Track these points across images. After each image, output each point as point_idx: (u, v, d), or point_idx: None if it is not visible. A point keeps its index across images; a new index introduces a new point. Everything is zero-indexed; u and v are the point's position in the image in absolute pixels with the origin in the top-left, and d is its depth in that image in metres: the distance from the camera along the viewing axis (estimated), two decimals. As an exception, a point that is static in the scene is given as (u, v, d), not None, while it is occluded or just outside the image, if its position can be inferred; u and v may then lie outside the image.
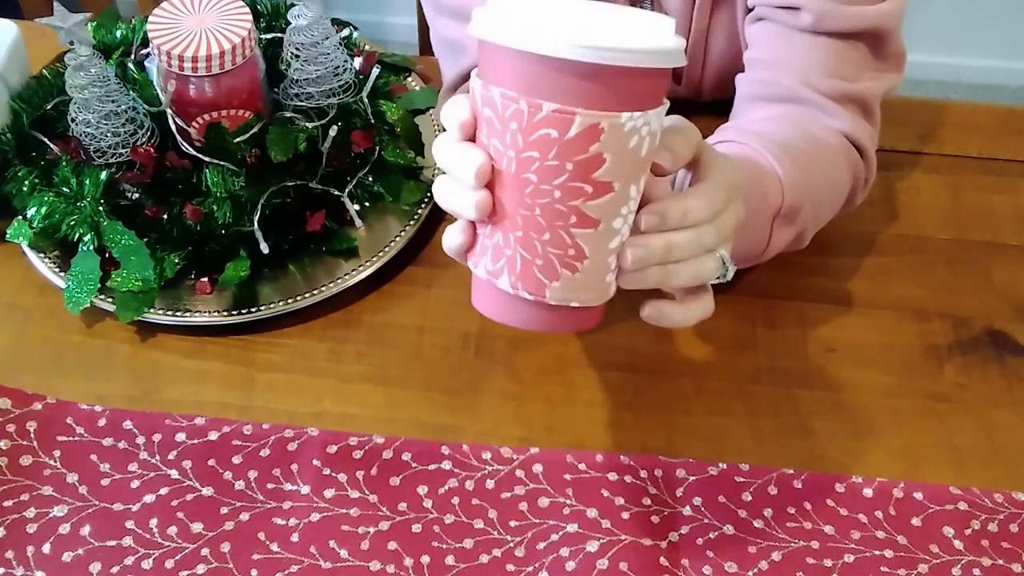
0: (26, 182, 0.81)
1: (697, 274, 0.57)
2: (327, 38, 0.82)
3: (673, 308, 0.58)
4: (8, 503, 0.69)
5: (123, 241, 0.78)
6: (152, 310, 0.77)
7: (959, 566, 0.68)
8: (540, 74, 0.49)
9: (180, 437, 0.72)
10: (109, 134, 0.80)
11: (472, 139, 0.54)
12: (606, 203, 0.52)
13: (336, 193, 0.82)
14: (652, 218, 0.54)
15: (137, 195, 0.80)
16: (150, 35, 0.78)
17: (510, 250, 0.53)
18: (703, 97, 0.90)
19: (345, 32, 0.90)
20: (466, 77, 0.81)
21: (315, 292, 0.79)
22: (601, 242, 0.53)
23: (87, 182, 0.79)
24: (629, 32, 0.49)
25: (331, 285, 0.80)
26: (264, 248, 0.79)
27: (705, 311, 0.59)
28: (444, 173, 0.55)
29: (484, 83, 0.52)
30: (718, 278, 0.59)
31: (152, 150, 0.80)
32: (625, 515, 0.69)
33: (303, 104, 0.83)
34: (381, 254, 0.81)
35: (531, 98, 0.50)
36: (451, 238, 0.56)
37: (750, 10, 0.81)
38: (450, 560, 0.67)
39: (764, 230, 0.70)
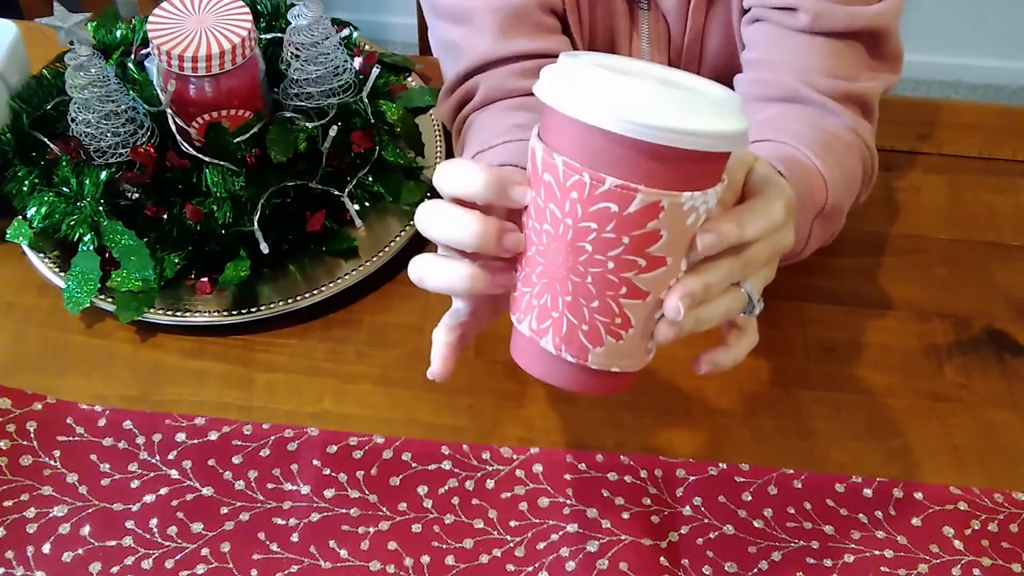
0: (26, 182, 0.81)
1: (725, 313, 0.56)
2: (327, 38, 0.82)
3: (724, 353, 0.59)
4: (8, 503, 0.69)
5: (123, 241, 0.78)
6: (152, 310, 0.77)
7: (959, 566, 0.68)
8: (604, 148, 0.49)
9: (180, 437, 0.72)
10: (109, 134, 0.80)
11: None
12: (658, 276, 0.52)
13: (336, 193, 0.82)
14: (709, 237, 0.52)
15: (137, 195, 0.80)
16: (150, 35, 0.78)
17: (557, 313, 0.53)
18: None
19: (345, 32, 0.90)
20: (464, 79, 0.81)
21: (315, 292, 0.79)
22: (648, 312, 0.53)
23: (87, 182, 0.79)
24: (696, 112, 0.49)
25: (331, 285, 0.80)
26: (264, 248, 0.79)
27: (752, 342, 0.59)
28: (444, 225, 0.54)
29: (547, 148, 0.51)
30: (746, 313, 0.57)
31: (152, 150, 0.80)
32: (625, 515, 0.69)
33: (303, 104, 0.83)
34: (381, 254, 0.81)
35: (594, 171, 0.50)
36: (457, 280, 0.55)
37: (746, 11, 0.81)
38: (450, 560, 0.67)
39: (804, 229, 0.70)
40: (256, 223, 0.79)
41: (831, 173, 0.70)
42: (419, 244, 0.83)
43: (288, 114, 0.83)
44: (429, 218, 0.55)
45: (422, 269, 0.56)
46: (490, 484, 0.71)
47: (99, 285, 0.78)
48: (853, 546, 0.69)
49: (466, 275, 0.54)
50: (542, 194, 0.52)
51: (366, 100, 0.85)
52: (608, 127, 0.48)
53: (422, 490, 0.70)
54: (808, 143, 0.71)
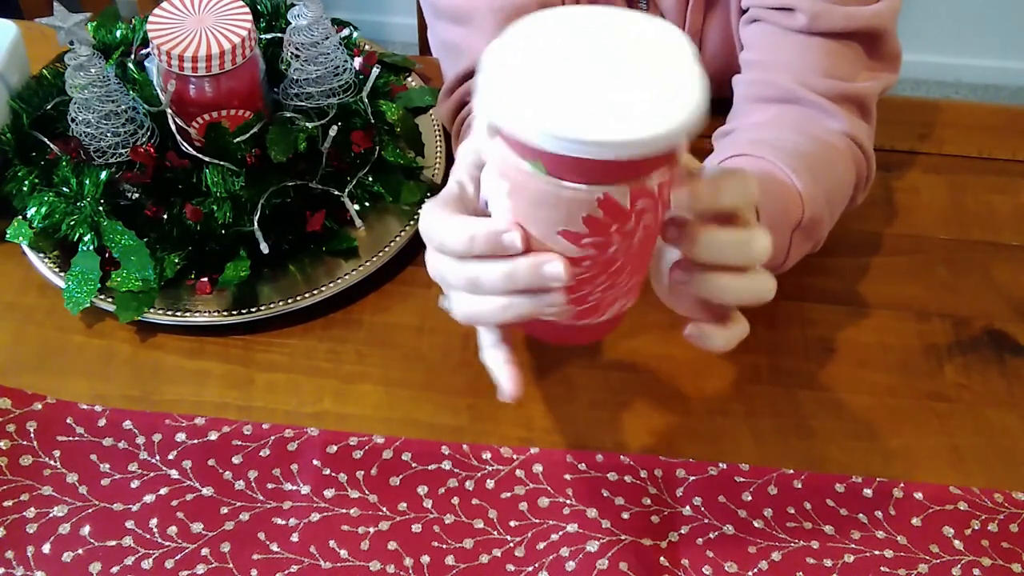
0: (26, 182, 0.81)
1: (752, 290, 0.55)
2: (327, 38, 0.82)
3: (715, 329, 0.58)
4: (8, 503, 0.69)
5: (123, 241, 0.78)
6: (152, 310, 0.77)
7: (959, 566, 0.68)
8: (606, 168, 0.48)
9: (180, 437, 0.72)
10: (109, 134, 0.80)
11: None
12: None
13: (336, 193, 0.82)
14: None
15: (137, 195, 0.80)
16: (150, 35, 0.78)
17: (594, 298, 0.55)
18: None
19: (345, 32, 0.90)
20: (464, 80, 0.81)
21: (315, 292, 0.79)
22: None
23: (87, 182, 0.79)
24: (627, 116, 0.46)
25: (331, 285, 0.80)
26: (264, 248, 0.79)
27: (744, 332, 0.59)
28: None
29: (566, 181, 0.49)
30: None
31: (152, 150, 0.80)
32: (625, 515, 0.69)
33: (303, 104, 0.83)
34: (381, 254, 0.81)
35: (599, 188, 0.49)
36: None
37: (744, 11, 0.81)
38: (450, 560, 0.67)
39: (783, 243, 0.70)
40: (256, 223, 0.79)
41: (808, 188, 0.70)
42: (419, 244, 0.83)
43: (288, 114, 0.83)
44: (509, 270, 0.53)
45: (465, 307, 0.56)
46: (490, 484, 0.71)
47: (99, 285, 0.78)
48: (853, 546, 0.69)
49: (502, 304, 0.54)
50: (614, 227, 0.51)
51: (366, 100, 0.85)
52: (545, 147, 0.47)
53: (422, 490, 0.70)
54: (785, 156, 0.70)
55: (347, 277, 0.80)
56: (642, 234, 0.52)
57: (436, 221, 0.55)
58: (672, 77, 0.48)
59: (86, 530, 0.68)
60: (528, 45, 0.49)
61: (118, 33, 0.89)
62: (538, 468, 0.71)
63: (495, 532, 0.69)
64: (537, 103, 0.47)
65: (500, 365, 0.57)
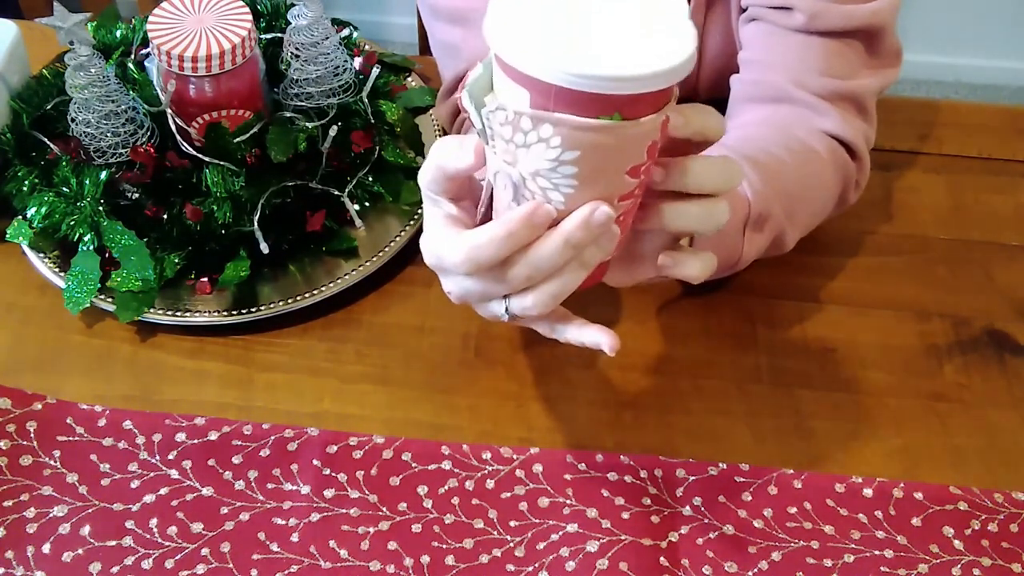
0: (26, 182, 0.81)
1: (711, 215, 0.56)
2: (327, 38, 0.82)
3: (688, 256, 0.58)
4: (8, 503, 0.69)
5: (123, 241, 0.78)
6: (152, 310, 0.77)
7: (959, 566, 0.68)
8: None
9: (180, 437, 0.72)
10: (109, 134, 0.80)
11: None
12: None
13: (336, 193, 0.82)
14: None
15: (137, 195, 0.80)
16: (150, 35, 0.78)
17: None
18: (699, 96, 0.90)
19: (345, 32, 0.90)
20: (462, 80, 0.81)
21: (315, 292, 0.79)
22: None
23: (87, 182, 0.79)
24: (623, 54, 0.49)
25: (331, 285, 0.80)
26: (264, 248, 0.79)
27: (714, 265, 0.59)
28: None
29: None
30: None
31: (152, 150, 0.80)
32: (625, 515, 0.69)
33: (303, 104, 0.83)
34: (381, 254, 0.81)
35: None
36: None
37: (744, 10, 0.81)
38: (450, 560, 0.67)
39: (736, 238, 0.70)
40: (256, 223, 0.79)
41: (752, 183, 0.70)
42: (419, 244, 0.83)
43: (288, 114, 0.83)
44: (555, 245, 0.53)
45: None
46: (490, 484, 0.71)
47: (99, 285, 0.78)
48: (853, 546, 0.69)
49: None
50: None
51: (366, 100, 0.85)
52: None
53: (422, 490, 0.70)
54: (748, 151, 0.71)
55: (347, 277, 0.80)
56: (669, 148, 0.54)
57: (455, 246, 0.54)
58: (672, 20, 0.51)
59: (86, 530, 0.68)
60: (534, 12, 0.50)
61: (118, 33, 0.89)
62: (538, 468, 0.71)
63: (495, 532, 0.69)
64: (600, 55, 0.48)
65: (582, 331, 0.58)
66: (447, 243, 0.55)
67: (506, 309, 0.56)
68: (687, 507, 0.70)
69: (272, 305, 0.78)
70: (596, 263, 0.55)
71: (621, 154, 0.51)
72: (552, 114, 0.49)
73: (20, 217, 0.81)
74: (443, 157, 0.55)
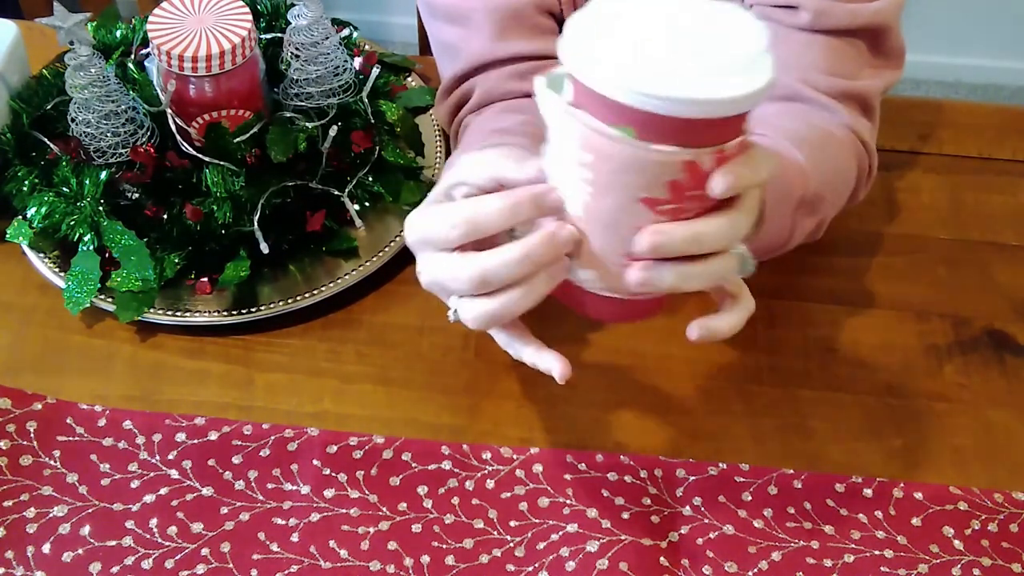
0: (26, 182, 0.81)
1: (717, 273, 0.55)
2: (327, 38, 0.82)
3: (719, 319, 0.57)
4: (8, 503, 0.69)
5: (123, 241, 0.78)
6: (152, 310, 0.77)
7: (959, 566, 0.68)
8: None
9: (180, 437, 0.72)
10: (109, 134, 0.80)
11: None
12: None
13: (336, 193, 0.82)
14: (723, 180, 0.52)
15: (137, 195, 0.80)
16: (150, 35, 0.78)
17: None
18: None
19: (345, 32, 0.90)
20: (461, 80, 0.81)
21: (315, 292, 0.79)
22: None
23: (87, 182, 0.79)
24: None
25: (331, 285, 0.80)
26: (264, 248, 0.79)
27: (749, 309, 0.58)
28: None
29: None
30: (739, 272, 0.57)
31: (152, 150, 0.80)
32: (625, 515, 0.69)
33: (303, 104, 0.83)
34: (381, 254, 0.81)
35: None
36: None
37: (749, 8, 0.81)
38: (450, 560, 0.67)
39: (787, 219, 0.70)
40: (256, 223, 0.79)
41: (811, 162, 0.69)
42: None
43: (288, 114, 0.83)
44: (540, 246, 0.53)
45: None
46: (490, 484, 0.71)
47: (99, 285, 0.78)
48: (853, 546, 0.69)
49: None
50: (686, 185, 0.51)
51: (366, 100, 0.85)
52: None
53: (422, 490, 0.70)
54: (789, 135, 0.70)
55: (347, 277, 0.80)
56: (708, 203, 0.52)
57: (438, 215, 0.55)
58: (748, 48, 0.50)
59: (86, 530, 0.68)
60: (609, 12, 0.50)
61: (118, 33, 0.89)
62: (538, 468, 0.71)
63: (495, 532, 0.68)
64: (629, 65, 0.48)
65: (538, 355, 0.58)
66: (431, 211, 0.55)
67: (454, 310, 0.57)
68: (687, 507, 0.70)
69: (272, 305, 0.78)
70: (542, 292, 0.54)
71: (633, 176, 0.51)
72: (573, 108, 0.51)
73: (20, 217, 0.81)
74: (501, 168, 0.55)
